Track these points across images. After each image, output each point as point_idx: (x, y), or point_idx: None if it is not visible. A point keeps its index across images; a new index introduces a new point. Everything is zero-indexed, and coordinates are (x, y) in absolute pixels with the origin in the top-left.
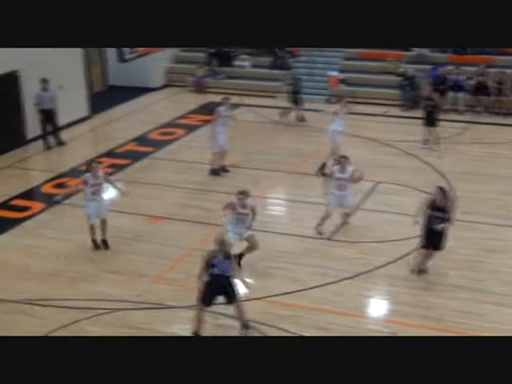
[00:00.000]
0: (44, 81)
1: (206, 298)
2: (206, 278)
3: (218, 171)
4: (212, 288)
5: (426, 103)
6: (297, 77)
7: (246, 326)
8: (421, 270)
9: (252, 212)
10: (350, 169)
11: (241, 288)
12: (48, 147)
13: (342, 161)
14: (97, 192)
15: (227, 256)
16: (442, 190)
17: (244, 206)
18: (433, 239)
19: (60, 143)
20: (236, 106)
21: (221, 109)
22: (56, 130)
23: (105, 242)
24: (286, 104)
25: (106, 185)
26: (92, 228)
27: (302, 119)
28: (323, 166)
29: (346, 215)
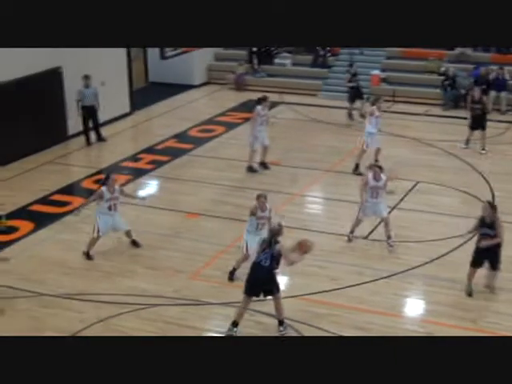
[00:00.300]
0: (86, 77)
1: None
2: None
3: (254, 168)
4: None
5: (475, 106)
6: (356, 73)
7: (282, 322)
8: (487, 287)
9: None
10: (384, 177)
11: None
12: (89, 143)
13: (376, 169)
14: (113, 207)
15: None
16: (490, 205)
17: (264, 210)
18: (484, 257)
19: (101, 139)
20: (273, 104)
21: (259, 108)
22: (97, 127)
23: (135, 242)
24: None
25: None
26: (94, 240)
27: (362, 115)
28: (357, 167)
29: (386, 227)
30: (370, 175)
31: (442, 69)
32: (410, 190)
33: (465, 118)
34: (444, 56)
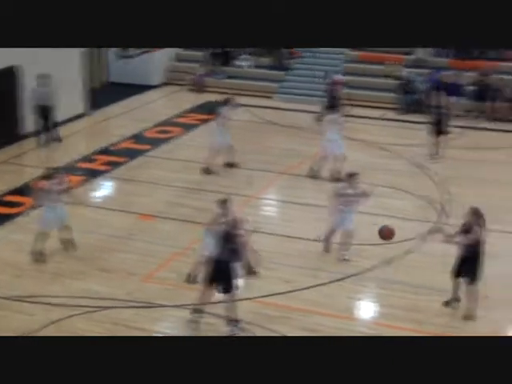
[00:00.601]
0: (42, 76)
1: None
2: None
3: (212, 170)
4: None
5: (437, 111)
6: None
7: (233, 322)
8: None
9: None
10: (359, 186)
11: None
12: (43, 143)
13: (353, 178)
14: (58, 201)
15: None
16: (473, 211)
17: (226, 215)
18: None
19: (56, 139)
20: (238, 106)
21: (224, 109)
22: (53, 126)
23: (72, 242)
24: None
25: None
26: (44, 236)
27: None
28: (313, 171)
29: (348, 239)
30: (344, 184)
31: (399, 73)
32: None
33: (421, 123)
34: (401, 60)
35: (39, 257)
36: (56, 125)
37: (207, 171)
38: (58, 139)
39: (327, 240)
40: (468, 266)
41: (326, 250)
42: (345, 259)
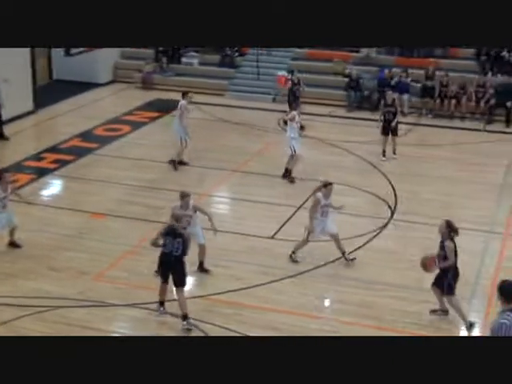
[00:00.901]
0: None
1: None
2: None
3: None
4: (163, 264)
5: (387, 110)
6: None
7: (185, 317)
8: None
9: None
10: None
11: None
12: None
13: (329, 187)
14: (6, 205)
15: (178, 235)
16: (447, 224)
17: (188, 207)
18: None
19: (3, 138)
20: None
21: (183, 102)
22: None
23: (14, 242)
24: None
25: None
26: None
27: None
28: (287, 172)
29: (337, 243)
30: (321, 194)
31: (347, 71)
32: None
33: (369, 120)
34: (349, 58)
35: None
36: (3, 123)
37: (175, 164)
38: (6, 137)
39: (295, 252)
40: (439, 278)
41: (293, 260)
42: (348, 260)
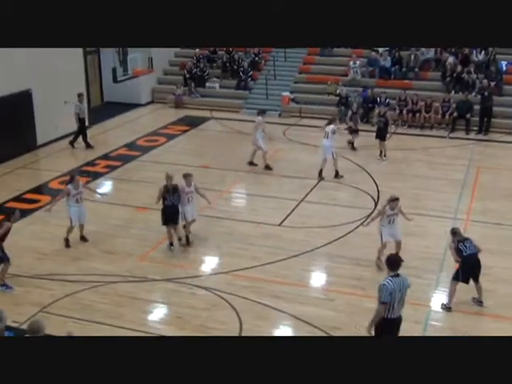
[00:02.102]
0: (80, 95)
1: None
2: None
3: (270, 166)
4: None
5: (379, 119)
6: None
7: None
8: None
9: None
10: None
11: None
12: (88, 146)
13: (394, 201)
14: (79, 200)
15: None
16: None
17: (189, 186)
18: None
19: (89, 146)
20: (205, 119)
21: (260, 118)
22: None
23: (84, 237)
24: None
25: (84, 192)
26: (70, 230)
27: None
28: (336, 173)
29: (397, 246)
30: (388, 206)
31: (338, 91)
32: (314, 187)
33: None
34: (339, 80)
35: (67, 244)
36: (85, 134)
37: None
38: (91, 146)
39: (379, 257)
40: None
41: (379, 267)
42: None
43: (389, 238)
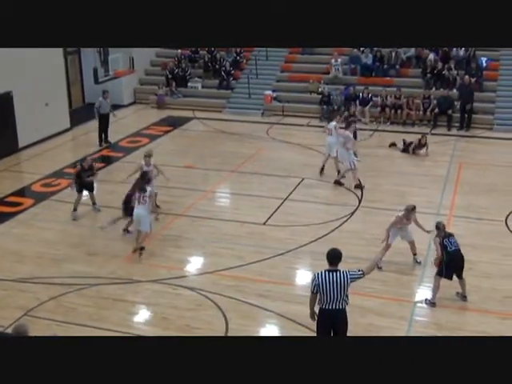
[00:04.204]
0: (105, 92)
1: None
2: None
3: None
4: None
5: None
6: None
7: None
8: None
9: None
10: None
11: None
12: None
13: (411, 211)
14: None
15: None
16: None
17: (148, 165)
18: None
19: (107, 142)
20: (187, 119)
21: (331, 124)
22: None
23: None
24: None
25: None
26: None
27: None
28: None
29: (412, 247)
30: (402, 215)
31: (320, 89)
32: (297, 185)
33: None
34: (321, 79)
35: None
36: (45, 139)
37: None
38: (110, 142)
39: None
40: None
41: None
42: (417, 262)
43: (393, 240)
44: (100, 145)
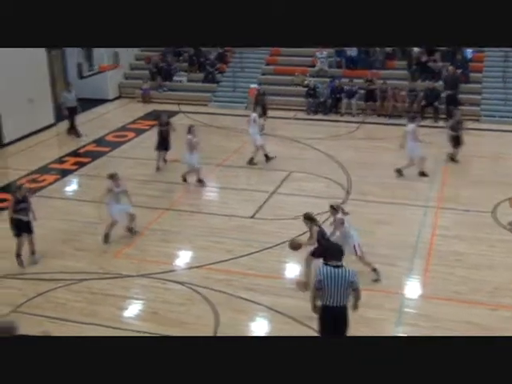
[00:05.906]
0: (68, 84)
1: None
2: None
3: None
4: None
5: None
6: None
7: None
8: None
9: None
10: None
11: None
12: (78, 135)
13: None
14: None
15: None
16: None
17: (118, 186)
18: None
19: (78, 135)
20: (172, 113)
21: (409, 125)
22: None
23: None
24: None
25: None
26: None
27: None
28: (251, 160)
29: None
30: (343, 217)
31: (306, 82)
32: (285, 179)
33: (324, 120)
34: (307, 72)
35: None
36: (30, 134)
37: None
38: (81, 135)
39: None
40: None
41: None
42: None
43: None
44: (78, 136)
